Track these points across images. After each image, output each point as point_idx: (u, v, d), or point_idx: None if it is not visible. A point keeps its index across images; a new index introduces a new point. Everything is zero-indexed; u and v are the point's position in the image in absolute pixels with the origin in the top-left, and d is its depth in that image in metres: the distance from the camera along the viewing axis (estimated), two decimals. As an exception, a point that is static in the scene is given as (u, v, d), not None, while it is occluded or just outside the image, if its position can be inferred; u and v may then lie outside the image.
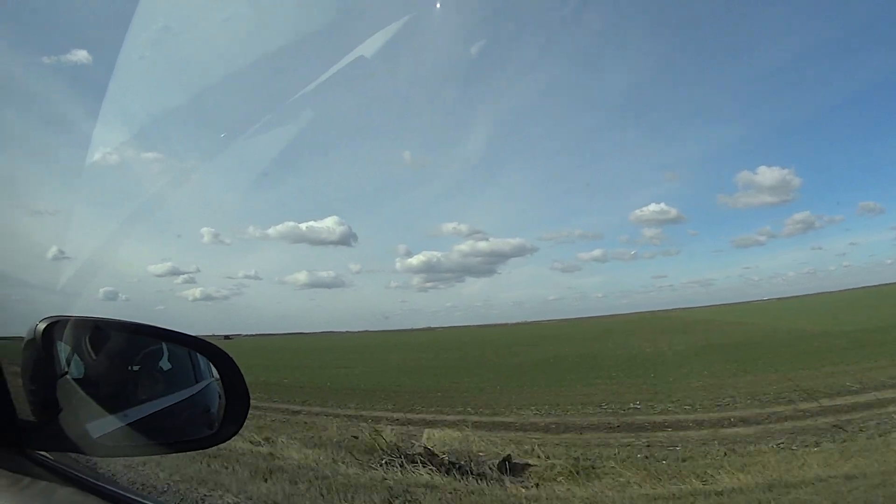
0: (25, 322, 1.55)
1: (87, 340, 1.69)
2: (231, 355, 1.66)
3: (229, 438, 1.67)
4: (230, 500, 5.80)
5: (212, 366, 1.73)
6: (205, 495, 5.97)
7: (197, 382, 2.03)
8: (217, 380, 1.74)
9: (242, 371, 1.64)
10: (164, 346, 1.90)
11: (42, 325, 1.51)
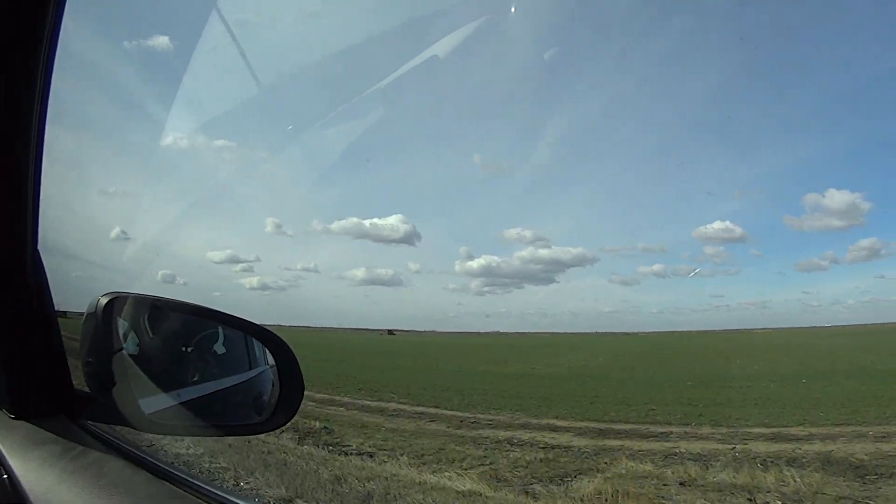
0: (83, 297, 1.57)
1: (146, 318, 1.71)
2: (288, 343, 1.64)
3: (279, 427, 1.67)
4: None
5: (267, 353, 1.73)
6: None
7: (251, 369, 2.03)
8: (272, 367, 1.73)
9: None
10: (220, 329, 1.90)
11: (104, 300, 1.52)
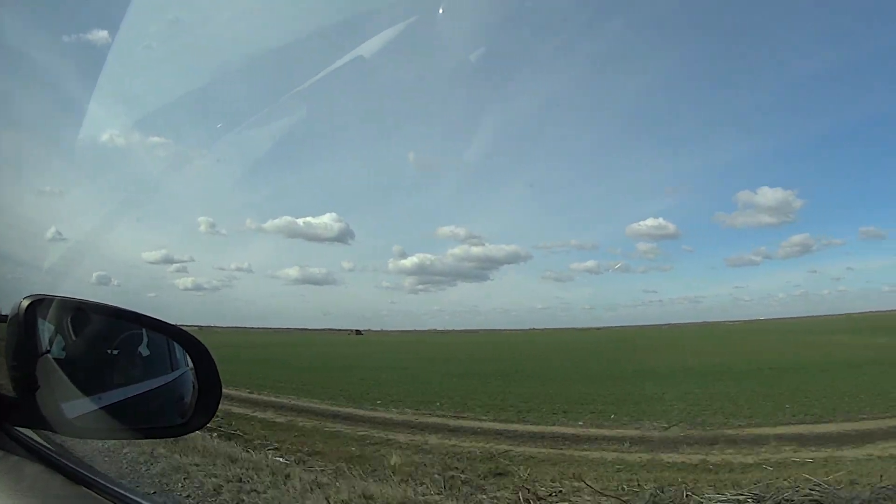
0: (13, 299, 1.58)
1: (69, 321, 1.71)
2: (206, 346, 1.68)
3: (198, 429, 1.71)
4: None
5: (187, 356, 1.76)
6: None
7: (173, 371, 2.05)
8: (192, 370, 1.77)
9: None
10: (144, 332, 1.92)
11: (25, 303, 1.53)
